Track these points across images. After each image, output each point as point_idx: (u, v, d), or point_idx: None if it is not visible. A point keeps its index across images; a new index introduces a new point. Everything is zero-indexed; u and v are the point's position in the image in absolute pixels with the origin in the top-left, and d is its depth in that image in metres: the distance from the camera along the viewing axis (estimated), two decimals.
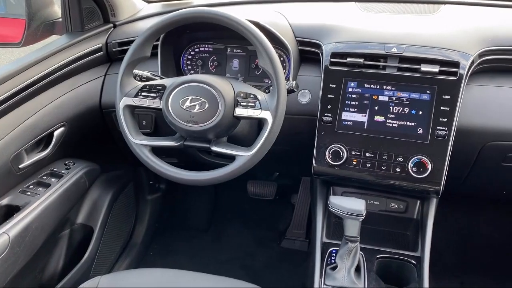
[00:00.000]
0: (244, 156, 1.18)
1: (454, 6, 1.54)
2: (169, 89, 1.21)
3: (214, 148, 1.22)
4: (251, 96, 1.19)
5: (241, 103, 1.19)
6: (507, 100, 1.30)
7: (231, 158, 1.22)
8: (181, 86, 1.20)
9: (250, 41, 1.19)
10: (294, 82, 1.29)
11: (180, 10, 1.21)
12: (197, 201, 2.36)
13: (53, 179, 1.44)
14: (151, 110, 1.32)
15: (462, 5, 1.55)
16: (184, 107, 1.18)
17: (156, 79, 1.32)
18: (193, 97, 1.18)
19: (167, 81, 1.24)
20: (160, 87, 1.23)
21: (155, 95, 1.23)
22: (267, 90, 1.25)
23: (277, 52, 1.28)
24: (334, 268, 1.23)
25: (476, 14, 1.52)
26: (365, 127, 1.30)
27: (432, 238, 1.35)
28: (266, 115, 1.16)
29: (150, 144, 1.25)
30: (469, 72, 1.24)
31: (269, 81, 1.19)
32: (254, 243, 2.25)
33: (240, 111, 1.19)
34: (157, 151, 1.29)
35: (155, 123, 1.55)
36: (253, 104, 1.18)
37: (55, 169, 1.48)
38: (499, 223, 2.11)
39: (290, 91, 1.27)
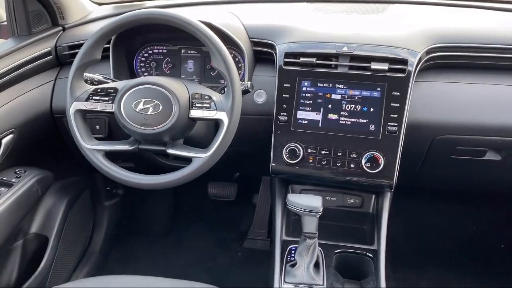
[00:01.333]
0: (201, 157, 1.18)
1: (401, 5, 1.59)
2: (121, 92, 1.19)
3: (170, 151, 1.21)
4: (206, 97, 1.19)
5: (196, 105, 1.18)
6: (454, 95, 1.36)
7: (188, 160, 1.21)
8: (133, 89, 1.18)
9: (203, 42, 1.18)
10: (249, 82, 1.30)
11: (131, 12, 1.19)
12: (157, 205, 2.32)
13: (2, 189, 1.38)
14: (104, 114, 1.29)
15: (409, 4, 1.61)
16: (137, 110, 1.17)
17: (108, 82, 1.29)
18: (146, 99, 1.17)
19: (119, 84, 1.22)
20: (112, 90, 1.21)
21: (107, 98, 1.20)
22: (222, 91, 1.25)
23: (231, 53, 1.29)
24: (293, 265, 1.24)
25: (423, 12, 1.57)
26: (320, 125, 1.32)
27: (389, 231, 1.39)
28: (222, 116, 1.16)
29: (103, 149, 1.23)
30: (417, 69, 1.29)
31: (225, 82, 1.19)
32: (216, 245, 2.24)
33: (195, 113, 1.18)
34: (113, 156, 1.26)
35: (108, 127, 1.52)
36: (208, 105, 1.17)
37: (5, 178, 1.42)
38: (453, 213, 2.20)
39: (245, 92, 1.27)
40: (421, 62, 1.30)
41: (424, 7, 1.60)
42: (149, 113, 1.16)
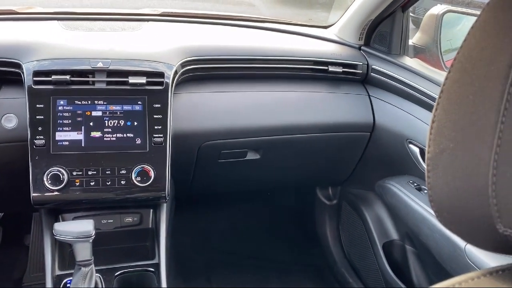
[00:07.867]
0: None
1: (155, 23, 1.64)
2: None
3: None
4: None
5: None
6: (211, 103, 1.46)
7: None
8: None
9: None
10: None
11: None
12: None
13: None
14: None
15: (162, 22, 1.67)
16: None
17: None
18: None
19: None
20: None
21: None
22: None
23: None
24: None
25: (175, 29, 1.66)
26: (83, 145, 1.25)
27: (178, 244, 1.40)
28: None
29: None
30: (174, 81, 1.34)
31: None
32: None
33: None
34: None
35: None
36: None
37: None
38: (235, 214, 2.36)
39: None
40: (178, 75, 1.36)
41: (176, 24, 1.68)
42: None
